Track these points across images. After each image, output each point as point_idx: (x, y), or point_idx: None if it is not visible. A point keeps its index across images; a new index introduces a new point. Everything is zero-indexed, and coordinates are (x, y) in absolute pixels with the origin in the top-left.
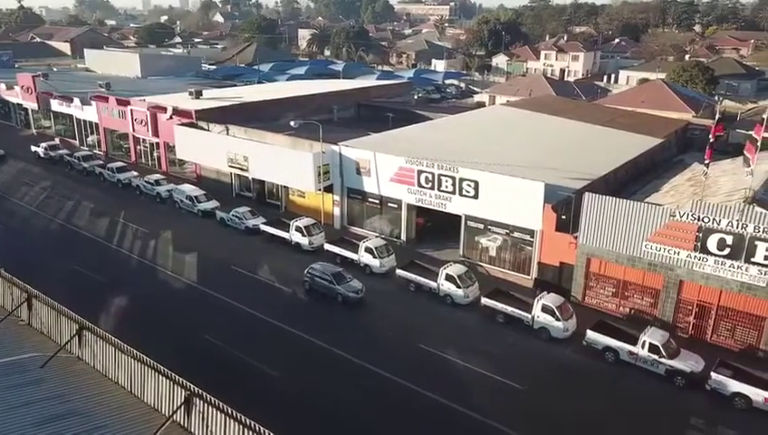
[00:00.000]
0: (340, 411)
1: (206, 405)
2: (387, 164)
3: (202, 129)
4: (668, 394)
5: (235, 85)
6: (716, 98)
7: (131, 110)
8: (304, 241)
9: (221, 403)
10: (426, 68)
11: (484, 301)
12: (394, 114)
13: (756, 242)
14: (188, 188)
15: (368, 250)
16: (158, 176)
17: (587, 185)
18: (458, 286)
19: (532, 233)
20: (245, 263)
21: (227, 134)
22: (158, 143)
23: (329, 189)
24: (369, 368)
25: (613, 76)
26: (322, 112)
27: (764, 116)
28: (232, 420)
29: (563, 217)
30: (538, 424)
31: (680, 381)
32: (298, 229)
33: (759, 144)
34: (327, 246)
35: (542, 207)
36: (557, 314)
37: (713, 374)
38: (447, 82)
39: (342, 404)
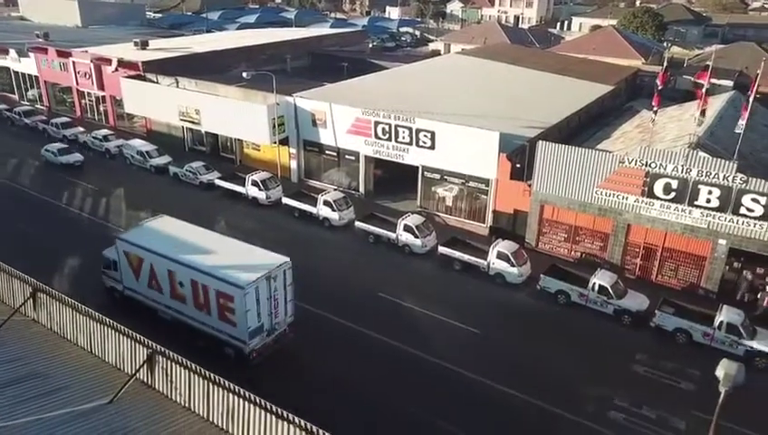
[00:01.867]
0: (305, 362)
1: (169, 362)
2: (343, 115)
3: (150, 81)
4: (616, 332)
5: (183, 35)
6: (665, 44)
7: (73, 62)
8: (261, 195)
9: (184, 359)
10: (380, 15)
11: (441, 249)
12: (349, 64)
13: (699, 186)
14: (139, 144)
15: (326, 203)
16: (106, 131)
17: (540, 133)
18: (416, 236)
19: (487, 182)
20: (201, 219)
21: (177, 86)
22: (104, 97)
23: (284, 142)
24: (328, 317)
25: (566, 23)
26: (275, 62)
27: (709, 62)
28: (196, 376)
29: (518, 165)
30: (493, 365)
31: (627, 320)
32: (254, 183)
33: (704, 90)
34: (285, 200)
35: (497, 157)
36: (512, 259)
37: (657, 312)
38: (402, 29)
39: (306, 355)
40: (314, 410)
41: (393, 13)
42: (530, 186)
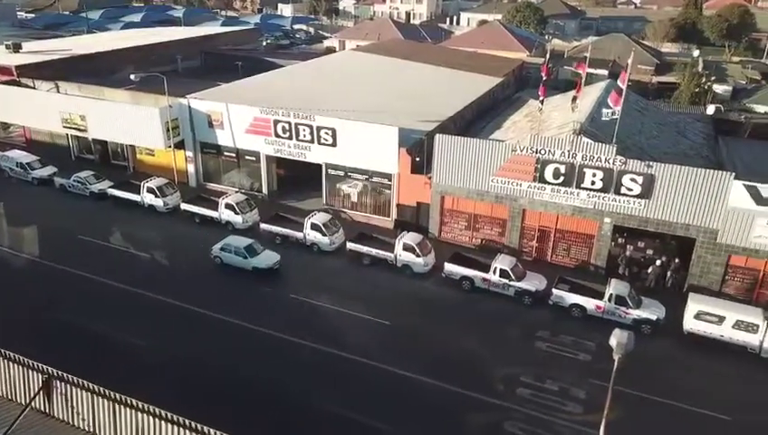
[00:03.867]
0: (218, 372)
1: (68, 386)
2: (241, 115)
3: (26, 87)
4: (518, 312)
5: (61, 36)
6: (546, 37)
7: None
8: (158, 202)
9: (85, 382)
10: (272, 13)
11: (350, 245)
12: (243, 63)
13: (585, 169)
14: (18, 155)
15: (228, 207)
16: None
17: (437, 126)
18: (324, 234)
19: (389, 176)
20: (95, 231)
21: (58, 92)
22: None
23: (180, 146)
24: (240, 324)
25: (455, 18)
26: (165, 63)
27: (587, 54)
28: (100, 398)
29: (417, 158)
30: (405, 354)
31: (527, 300)
32: (150, 190)
33: (583, 80)
34: (184, 206)
35: (398, 151)
36: (417, 250)
37: (554, 290)
38: (296, 27)
39: (218, 365)
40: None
41: (286, 10)
42: (430, 178)
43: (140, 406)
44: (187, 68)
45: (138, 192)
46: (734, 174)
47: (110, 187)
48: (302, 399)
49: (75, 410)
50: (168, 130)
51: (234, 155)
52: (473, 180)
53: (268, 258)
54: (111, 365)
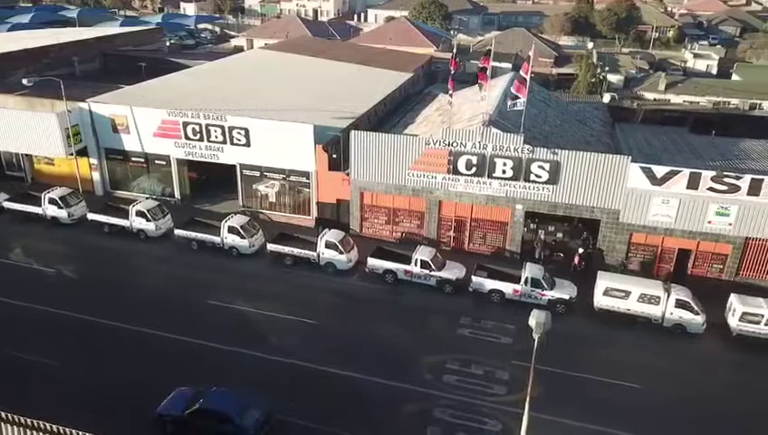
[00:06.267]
0: (142, 383)
1: None
2: (147, 118)
3: None
4: (441, 301)
5: None
6: (452, 33)
7: None
8: (62, 214)
9: None
10: (175, 12)
11: (270, 247)
12: (146, 64)
13: (495, 159)
14: None
15: (140, 214)
16: None
17: (351, 123)
18: (243, 237)
19: (307, 175)
20: None
21: None
22: None
23: (83, 153)
24: (158, 334)
25: (363, 15)
26: (61, 66)
27: (491, 48)
28: (9, 425)
29: (334, 156)
30: (333, 352)
31: (449, 289)
32: (52, 201)
33: (489, 73)
34: (91, 216)
35: (314, 149)
36: (340, 247)
37: (473, 277)
38: (201, 26)
39: (143, 379)
40: None
41: (188, 9)
42: (348, 175)
43: (54, 429)
44: (85, 71)
45: (38, 204)
46: (630, 157)
47: (5, 199)
48: None
49: None
50: (68, 136)
51: (142, 160)
52: (390, 175)
53: None
54: (22, 387)
